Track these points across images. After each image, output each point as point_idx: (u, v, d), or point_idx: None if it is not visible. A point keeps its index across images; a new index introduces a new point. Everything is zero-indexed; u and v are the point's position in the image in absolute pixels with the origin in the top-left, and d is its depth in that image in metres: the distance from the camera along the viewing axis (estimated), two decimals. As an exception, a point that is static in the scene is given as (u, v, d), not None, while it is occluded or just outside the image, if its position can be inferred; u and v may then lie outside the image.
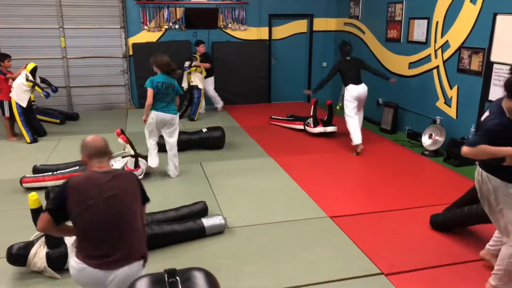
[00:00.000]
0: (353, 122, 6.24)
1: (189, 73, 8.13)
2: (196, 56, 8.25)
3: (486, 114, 2.91)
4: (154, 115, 5.04)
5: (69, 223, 2.32)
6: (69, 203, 2.23)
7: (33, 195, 3.24)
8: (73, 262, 2.29)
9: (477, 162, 3.08)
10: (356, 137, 6.19)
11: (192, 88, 8.16)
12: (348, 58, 6.47)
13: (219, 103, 8.98)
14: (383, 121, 7.63)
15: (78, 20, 8.57)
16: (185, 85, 8.17)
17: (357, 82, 6.34)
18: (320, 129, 6.98)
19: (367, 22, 8.54)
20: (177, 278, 1.90)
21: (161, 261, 3.40)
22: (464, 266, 3.39)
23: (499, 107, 2.77)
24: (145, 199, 2.55)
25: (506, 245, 2.93)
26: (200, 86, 8.15)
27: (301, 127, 7.31)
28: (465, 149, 2.81)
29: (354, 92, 6.28)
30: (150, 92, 4.92)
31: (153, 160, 5.26)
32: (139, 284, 1.91)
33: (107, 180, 2.30)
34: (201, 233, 3.82)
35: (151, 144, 5.28)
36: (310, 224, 4.09)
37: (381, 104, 7.91)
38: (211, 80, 8.68)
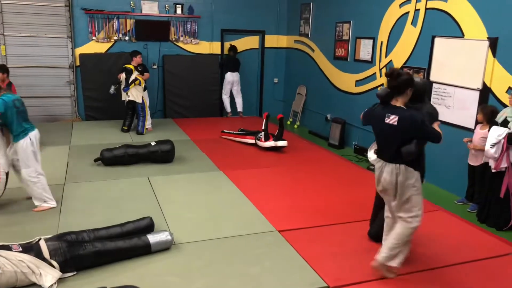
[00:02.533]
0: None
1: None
2: (131, 66, 7.72)
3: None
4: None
5: None
6: None
7: None
8: None
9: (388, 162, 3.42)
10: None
11: (131, 102, 7.76)
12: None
13: (149, 121, 8.18)
14: (331, 136, 7.83)
15: (21, 27, 8.20)
16: (124, 97, 7.84)
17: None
18: (270, 143, 7.04)
19: (316, 40, 8.80)
20: None
21: (101, 280, 3.25)
22: (408, 277, 3.50)
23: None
24: None
25: (404, 224, 3.38)
26: (138, 100, 7.70)
27: (252, 141, 7.34)
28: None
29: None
30: None
31: None
32: None
33: None
34: (147, 250, 3.69)
35: None
36: (259, 238, 4.08)
37: (329, 120, 8.12)
38: (146, 93, 8.12)
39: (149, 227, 3.99)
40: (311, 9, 8.89)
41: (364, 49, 7.30)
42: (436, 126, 3.41)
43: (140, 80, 7.66)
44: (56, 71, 8.58)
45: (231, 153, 6.93)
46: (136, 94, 7.70)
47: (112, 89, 7.72)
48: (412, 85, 3.30)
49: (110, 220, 4.29)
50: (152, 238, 3.73)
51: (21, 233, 4.01)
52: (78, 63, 8.65)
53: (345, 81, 7.84)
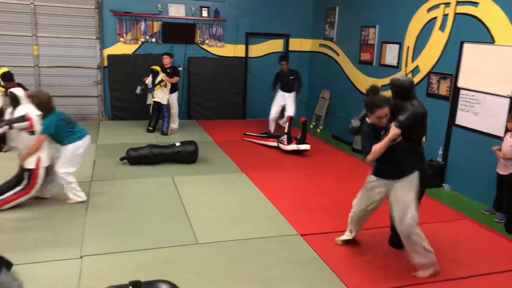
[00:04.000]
0: None
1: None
2: (157, 68, 7.83)
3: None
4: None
5: None
6: None
7: None
8: None
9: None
10: None
11: (157, 103, 7.90)
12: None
13: (176, 123, 8.40)
14: (355, 141, 7.76)
15: (53, 28, 8.44)
16: (149, 101, 8.02)
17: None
18: (293, 146, 7.04)
19: (341, 44, 8.76)
20: None
21: (126, 275, 3.32)
22: (431, 286, 3.45)
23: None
24: None
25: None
26: (164, 102, 7.84)
27: (275, 144, 7.35)
28: (369, 158, 3.53)
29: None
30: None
31: None
32: None
33: None
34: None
35: None
36: (280, 241, 4.09)
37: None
38: (175, 95, 8.28)
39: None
40: (336, 13, 8.86)
41: (390, 54, 7.22)
42: (392, 130, 3.41)
43: (166, 82, 7.77)
44: (85, 71, 8.79)
45: (253, 156, 6.96)
46: (161, 95, 7.82)
47: (138, 90, 7.85)
48: (370, 111, 3.50)
49: (136, 218, 4.39)
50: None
51: (51, 227, 4.14)
52: (106, 64, 8.84)
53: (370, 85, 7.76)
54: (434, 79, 6.19)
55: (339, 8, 8.78)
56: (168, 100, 7.88)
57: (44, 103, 4.50)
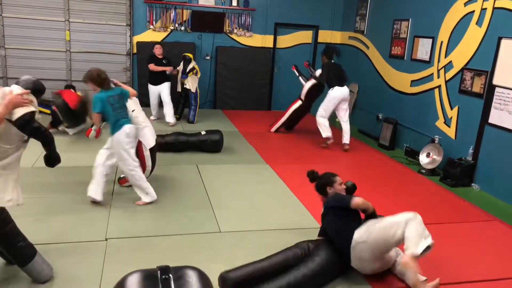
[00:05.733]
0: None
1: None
2: (190, 55, 7.92)
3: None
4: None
5: None
6: None
7: None
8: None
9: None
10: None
11: (185, 90, 7.94)
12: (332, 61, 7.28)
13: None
14: (382, 136, 7.63)
15: (85, 14, 8.57)
16: (180, 88, 8.06)
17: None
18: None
19: (372, 37, 8.58)
20: (170, 275, 1.86)
21: (151, 261, 3.36)
22: (458, 287, 3.37)
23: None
24: None
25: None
26: (193, 90, 7.87)
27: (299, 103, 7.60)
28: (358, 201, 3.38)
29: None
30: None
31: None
32: (131, 279, 1.87)
33: None
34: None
35: None
36: (304, 234, 4.04)
37: (381, 120, 7.92)
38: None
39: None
40: (368, 5, 8.67)
41: (422, 49, 7.03)
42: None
43: (197, 70, 7.80)
44: (114, 57, 8.91)
45: (278, 148, 6.93)
46: (192, 83, 7.87)
47: (169, 71, 7.79)
48: (330, 185, 3.71)
49: (160, 203, 4.43)
50: None
51: (78, 210, 4.22)
52: (135, 51, 8.93)
53: (400, 80, 7.60)
54: (468, 75, 6.00)
55: (371, 1, 8.59)
56: (196, 88, 7.91)
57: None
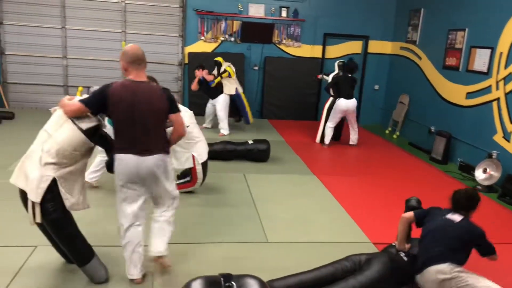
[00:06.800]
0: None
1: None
2: (220, 59, 7.77)
3: None
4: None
5: None
6: (108, 100, 2.92)
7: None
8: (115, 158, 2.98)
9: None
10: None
11: (231, 96, 7.81)
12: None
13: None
14: (434, 150, 7.36)
15: (140, 26, 8.93)
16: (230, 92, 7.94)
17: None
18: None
19: (425, 48, 8.35)
20: (233, 283, 1.87)
21: (200, 268, 3.41)
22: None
23: None
24: (173, 109, 3.12)
25: None
26: (232, 92, 7.67)
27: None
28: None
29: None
30: None
31: None
32: (195, 284, 1.90)
33: (138, 89, 3.06)
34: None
35: None
36: (352, 248, 3.96)
37: (433, 133, 7.65)
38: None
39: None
40: (421, 15, 8.46)
41: (480, 59, 6.74)
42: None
43: (229, 72, 7.66)
44: (166, 67, 9.20)
45: (325, 159, 6.87)
46: (229, 86, 7.73)
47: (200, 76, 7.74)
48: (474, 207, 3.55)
49: (208, 211, 4.50)
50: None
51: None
52: (186, 61, 9.18)
53: (454, 92, 7.32)
54: (530, 88, 5.68)
55: (424, 10, 8.37)
56: (236, 89, 7.75)
57: None
